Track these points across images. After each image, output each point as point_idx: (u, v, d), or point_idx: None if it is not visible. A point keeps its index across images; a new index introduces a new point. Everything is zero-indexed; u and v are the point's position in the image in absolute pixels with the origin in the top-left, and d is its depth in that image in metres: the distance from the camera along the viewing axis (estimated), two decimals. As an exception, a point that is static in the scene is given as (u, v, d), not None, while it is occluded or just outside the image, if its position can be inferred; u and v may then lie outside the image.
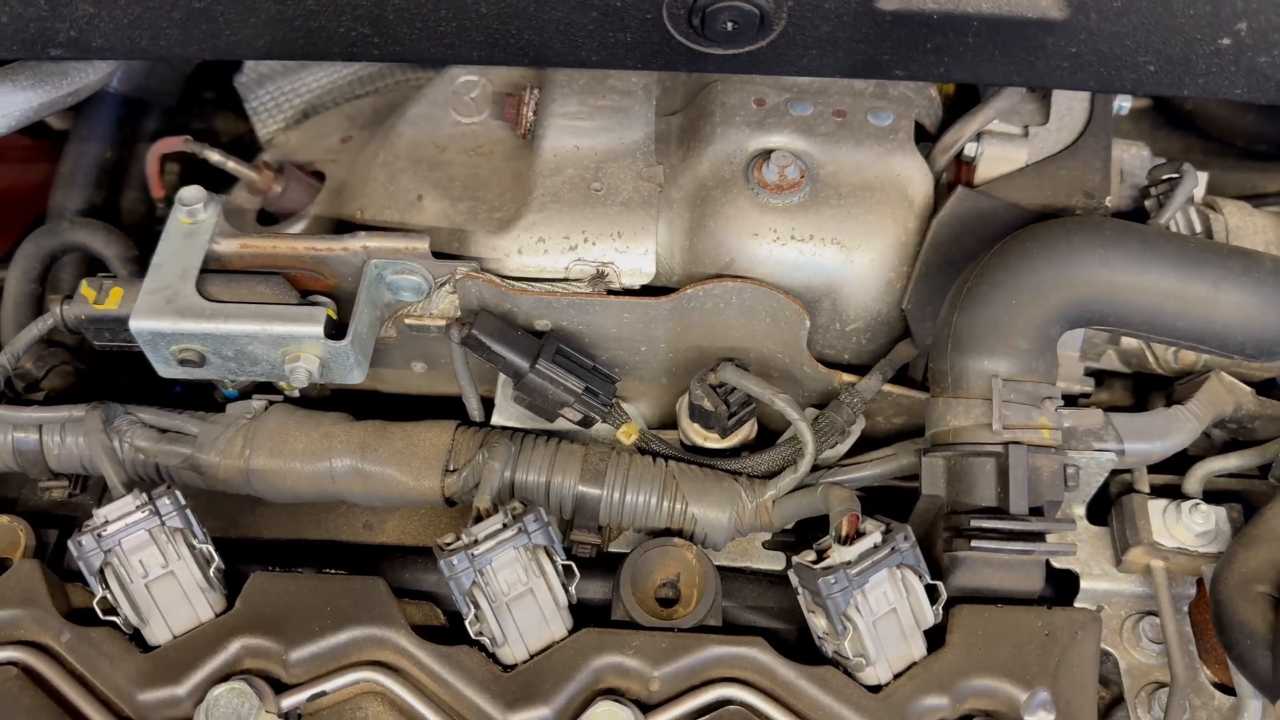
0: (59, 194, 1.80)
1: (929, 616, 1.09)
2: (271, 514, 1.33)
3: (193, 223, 1.30)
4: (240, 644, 1.08)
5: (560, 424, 1.32)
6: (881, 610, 1.07)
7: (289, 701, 1.07)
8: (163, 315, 1.22)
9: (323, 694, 1.07)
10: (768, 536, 1.32)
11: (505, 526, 1.09)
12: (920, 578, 1.08)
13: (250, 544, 1.31)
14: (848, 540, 1.07)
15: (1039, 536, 1.08)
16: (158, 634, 1.11)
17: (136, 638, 1.11)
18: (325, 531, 1.33)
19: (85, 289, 1.28)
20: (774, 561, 1.31)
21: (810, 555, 1.10)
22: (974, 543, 1.07)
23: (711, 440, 1.35)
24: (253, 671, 1.08)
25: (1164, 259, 1.12)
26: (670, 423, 1.43)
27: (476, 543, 1.08)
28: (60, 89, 1.34)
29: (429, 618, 1.16)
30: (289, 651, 1.08)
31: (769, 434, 1.42)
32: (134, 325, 1.21)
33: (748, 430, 1.36)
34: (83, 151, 1.83)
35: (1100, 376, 1.54)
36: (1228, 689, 1.23)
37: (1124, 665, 1.25)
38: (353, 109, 1.88)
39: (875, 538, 1.07)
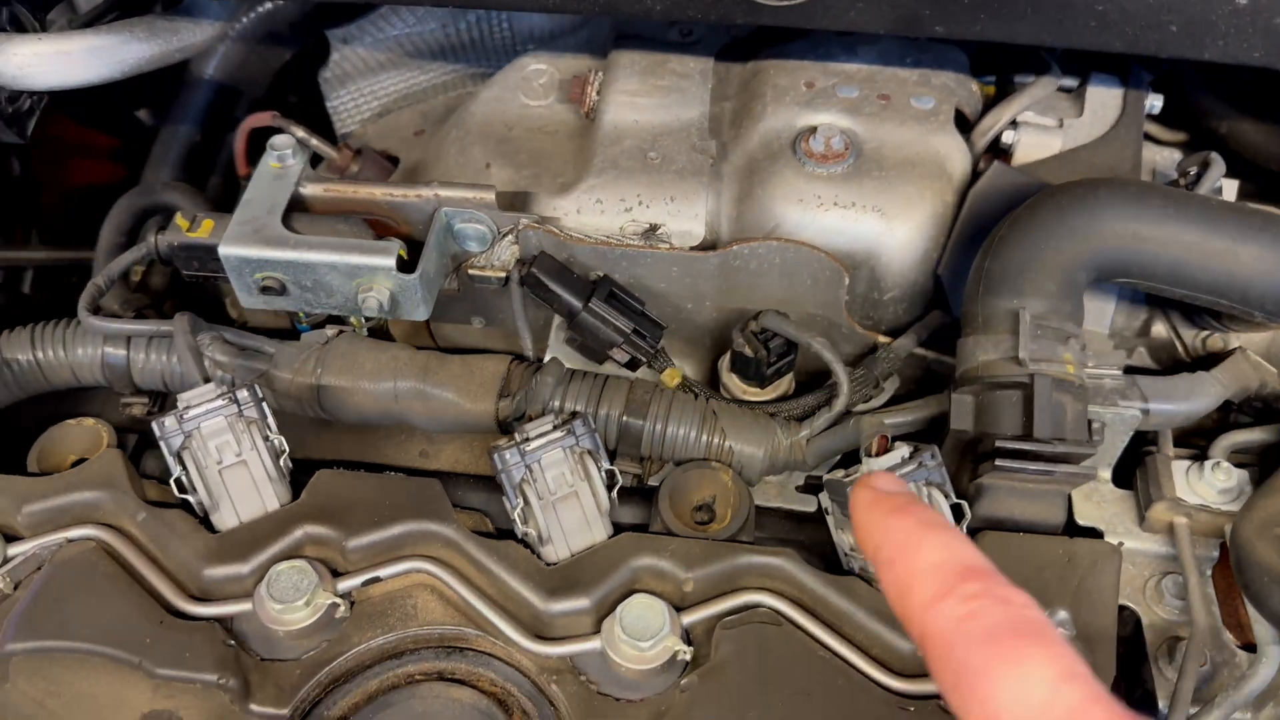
0: (149, 171, 1.93)
1: (954, 536, 1.13)
2: (333, 437, 1.41)
3: (281, 167, 1.41)
4: (303, 530, 1.15)
5: (608, 368, 1.40)
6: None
7: (344, 585, 1.13)
8: (250, 243, 1.32)
9: (376, 579, 1.14)
10: (801, 480, 1.38)
11: (555, 428, 1.16)
12: (946, 496, 1.13)
13: (312, 465, 1.39)
14: (878, 456, 1.13)
15: (1061, 459, 1.12)
16: (226, 519, 1.18)
17: (205, 523, 1.19)
18: (383, 457, 1.40)
19: (179, 219, 1.38)
20: (806, 504, 1.36)
21: (840, 473, 1.15)
22: (999, 462, 1.12)
23: (750, 393, 1.41)
24: (312, 558, 1.15)
25: (1186, 213, 1.19)
26: (712, 386, 1.50)
27: (528, 440, 1.15)
28: (170, 44, 1.48)
29: (478, 525, 1.23)
30: (347, 540, 1.15)
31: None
32: (223, 250, 1.32)
33: (786, 384, 1.42)
34: (174, 133, 1.96)
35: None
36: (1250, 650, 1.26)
37: (1146, 621, 1.28)
38: (426, 108, 2.01)
39: (903, 451, 1.12)
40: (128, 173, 2.44)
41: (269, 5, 1.92)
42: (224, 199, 1.96)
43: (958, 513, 1.14)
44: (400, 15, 1.84)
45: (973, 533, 1.15)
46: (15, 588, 1.15)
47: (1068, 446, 1.11)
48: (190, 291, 1.81)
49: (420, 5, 1.26)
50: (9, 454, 1.32)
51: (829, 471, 1.36)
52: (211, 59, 1.95)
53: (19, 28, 1.40)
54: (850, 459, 1.27)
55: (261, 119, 1.76)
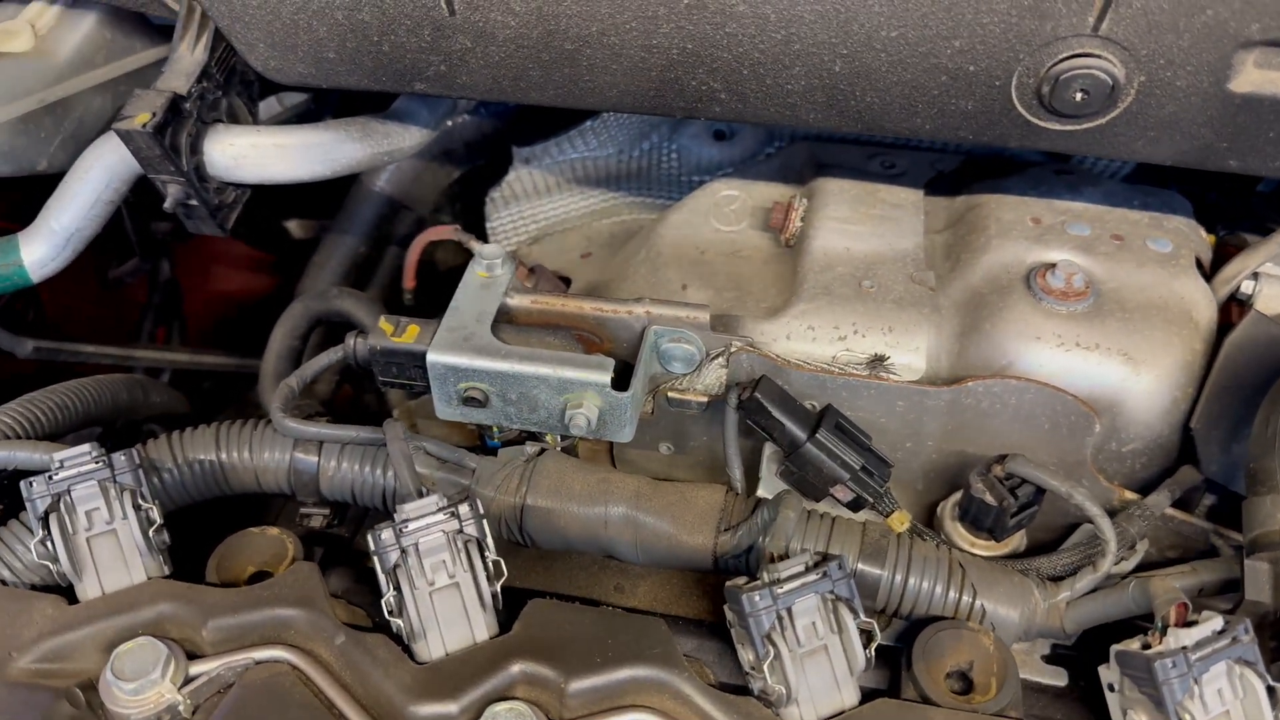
0: (310, 279, 1.90)
1: (1269, 725, 0.98)
2: (525, 565, 1.30)
3: (489, 276, 1.35)
4: (519, 668, 1.03)
5: (824, 506, 1.28)
6: (1215, 710, 0.97)
7: (563, 734, 1.00)
8: (460, 351, 1.24)
9: (598, 730, 1.01)
10: (1047, 649, 1.23)
11: (807, 569, 1.04)
12: (1260, 678, 0.98)
13: (504, 592, 1.28)
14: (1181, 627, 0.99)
15: (1400, 644, 0.98)
16: (432, 649, 1.06)
17: (406, 651, 1.07)
18: (576, 588, 1.28)
19: (384, 323, 1.31)
20: (1054, 676, 1.21)
21: (1135, 644, 1.01)
22: (1325, 644, 0.98)
23: (980, 546, 1.29)
24: (525, 699, 1.02)
25: None
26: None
27: (779, 582, 1.03)
28: (380, 147, 1.44)
29: (699, 673, 1.10)
30: (569, 681, 1.02)
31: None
32: (431, 358, 1.24)
33: (1018, 540, 1.30)
34: (339, 243, 1.94)
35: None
36: None
37: None
38: (590, 230, 1.98)
39: (1216, 624, 0.99)
40: (275, 281, 2.43)
41: (449, 122, 1.92)
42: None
43: (1273, 696, 0.99)
44: (585, 139, 1.82)
45: (1283, 723, 1.00)
46: (194, 711, 1.04)
47: (1406, 630, 0.97)
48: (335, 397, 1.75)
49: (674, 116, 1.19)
50: (177, 559, 1.22)
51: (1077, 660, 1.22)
52: (384, 173, 1.95)
53: (234, 120, 1.37)
54: (1108, 631, 1.12)
55: (442, 232, 1.73)
